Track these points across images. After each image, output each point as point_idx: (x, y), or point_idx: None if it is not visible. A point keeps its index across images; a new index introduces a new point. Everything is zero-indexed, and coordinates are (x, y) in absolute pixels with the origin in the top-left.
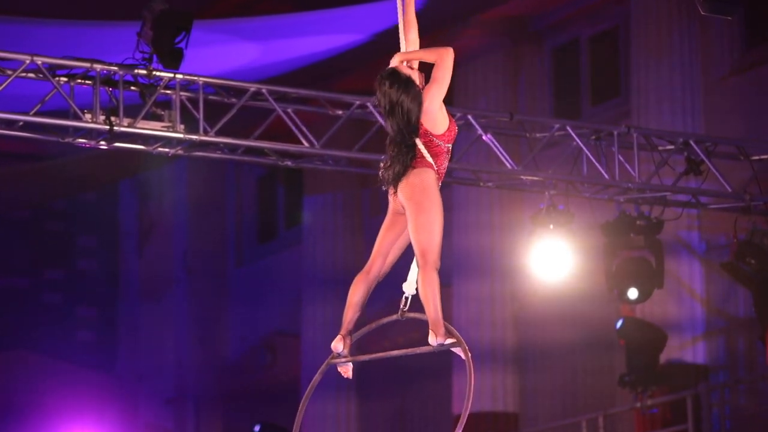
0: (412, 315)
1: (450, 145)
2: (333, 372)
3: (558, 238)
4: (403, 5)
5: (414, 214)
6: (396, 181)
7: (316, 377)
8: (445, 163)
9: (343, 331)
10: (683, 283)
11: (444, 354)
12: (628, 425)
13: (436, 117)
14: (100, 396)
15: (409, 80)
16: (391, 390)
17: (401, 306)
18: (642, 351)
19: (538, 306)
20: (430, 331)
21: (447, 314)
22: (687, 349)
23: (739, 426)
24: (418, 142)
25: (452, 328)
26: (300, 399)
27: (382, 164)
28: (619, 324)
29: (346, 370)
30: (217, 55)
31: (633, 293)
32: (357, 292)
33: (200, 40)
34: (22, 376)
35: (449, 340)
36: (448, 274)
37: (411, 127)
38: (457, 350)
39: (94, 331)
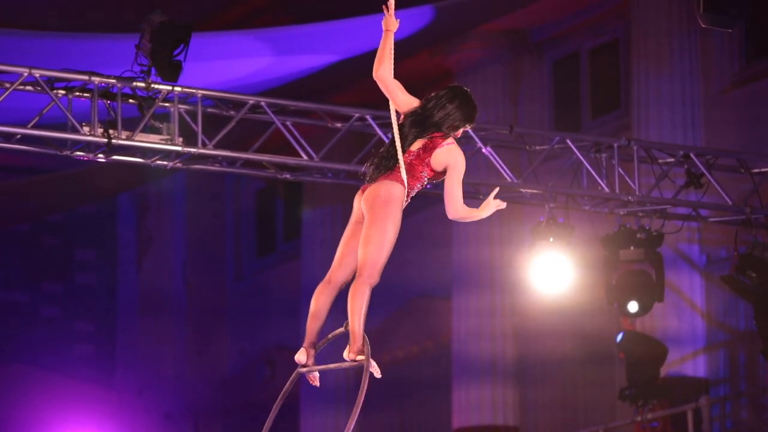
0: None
1: (428, 185)
2: (332, 385)
3: (558, 251)
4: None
5: (368, 224)
6: (372, 177)
7: (287, 386)
8: (417, 188)
9: (306, 342)
10: (684, 297)
11: (443, 366)
12: None
13: (441, 164)
14: (98, 410)
15: (471, 114)
16: (391, 402)
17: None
18: (642, 364)
19: (538, 319)
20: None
21: (447, 326)
22: (687, 363)
23: None
24: (401, 159)
25: (367, 345)
26: (300, 413)
27: (371, 160)
28: (619, 337)
29: (314, 379)
30: (216, 67)
31: (633, 306)
32: (318, 302)
33: (199, 52)
34: (21, 391)
35: (360, 357)
36: (448, 287)
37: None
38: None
39: (92, 344)
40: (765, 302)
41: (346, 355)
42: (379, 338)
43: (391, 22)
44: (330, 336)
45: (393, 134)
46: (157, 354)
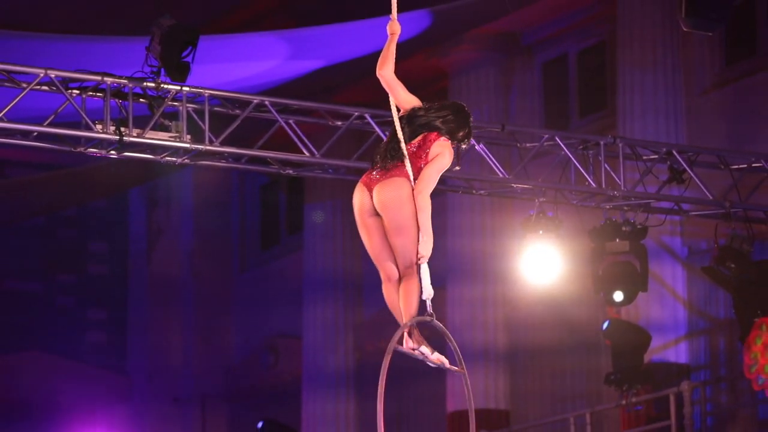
0: (437, 324)
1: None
2: (333, 373)
3: (547, 244)
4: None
5: (399, 227)
6: (381, 165)
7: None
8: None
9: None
10: (666, 286)
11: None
12: (613, 422)
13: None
14: (110, 394)
15: (465, 134)
16: (389, 389)
17: (429, 310)
18: (627, 351)
19: (528, 308)
20: (406, 333)
21: (441, 316)
22: (670, 349)
23: (720, 422)
24: (405, 152)
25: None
26: (302, 398)
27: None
28: (605, 325)
29: (440, 360)
30: (223, 68)
31: (618, 296)
32: (391, 302)
33: (207, 54)
34: (36, 376)
35: (423, 348)
36: (442, 278)
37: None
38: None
39: (104, 332)
40: (743, 292)
41: (409, 344)
42: (377, 328)
43: (395, 27)
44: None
45: (394, 128)
46: (166, 341)
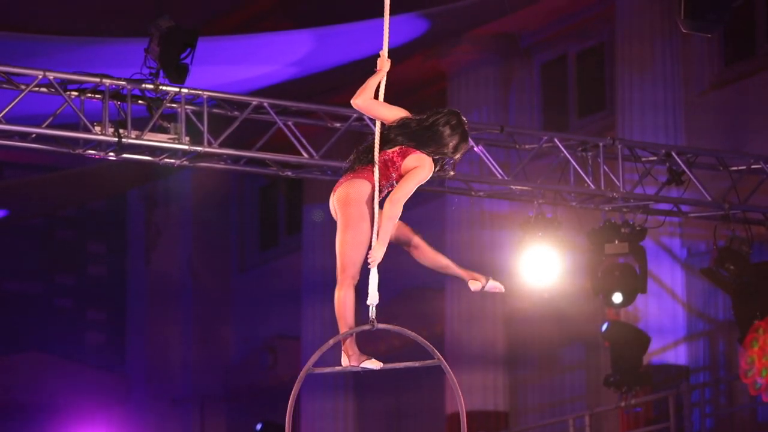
0: (383, 326)
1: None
2: (331, 374)
3: (546, 245)
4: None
5: (343, 226)
6: (351, 167)
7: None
8: (386, 188)
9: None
10: (665, 288)
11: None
12: (612, 424)
13: (408, 168)
14: (108, 395)
15: (459, 145)
16: (387, 388)
17: (372, 316)
18: (626, 353)
19: (527, 310)
20: (343, 353)
21: (440, 316)
22: (669, 351)
23: (719, 424)
24: (377, 158)
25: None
26: (300, 399)
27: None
28: (604, 327)
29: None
30: (221, 70)
31: (618, 297)
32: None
33: (205, 56)
34: (35, 377)
35: (366, 363)
36: (441, 278)
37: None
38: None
39: (103, 333)
40: (742, 293)
41: (350, 363)
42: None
43: (383, 63)
44: (348, 333)
45: (374, 133)
46: (164, 342)
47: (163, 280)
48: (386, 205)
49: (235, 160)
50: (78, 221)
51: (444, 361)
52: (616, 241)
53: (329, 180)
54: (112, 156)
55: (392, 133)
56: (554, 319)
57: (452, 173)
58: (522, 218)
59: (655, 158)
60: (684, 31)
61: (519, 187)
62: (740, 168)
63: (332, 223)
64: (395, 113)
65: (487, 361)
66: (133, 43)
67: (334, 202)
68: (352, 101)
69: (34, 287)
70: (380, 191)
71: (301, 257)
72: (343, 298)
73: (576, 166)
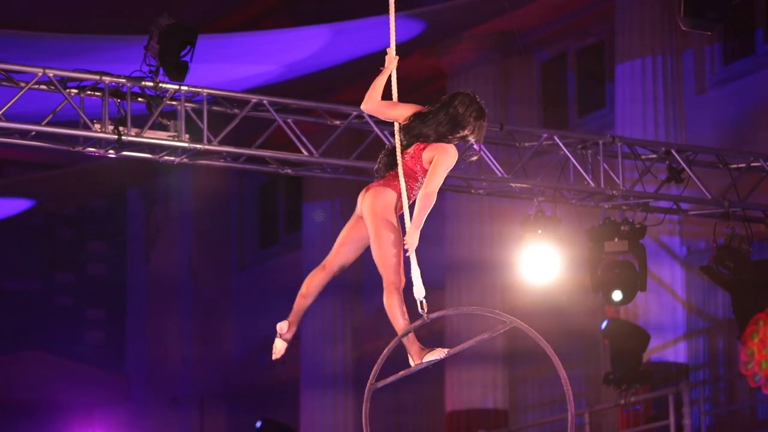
0: (435, 315)
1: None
2: (332, 368)
3: (546, 243)
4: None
5: (374, 236)
6: (379, 173)
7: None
8: (416, 188)
9: (291, 317)
10: (665, 286)
11: None
12: (612, 421)
13: (429, 160)
14: (108, 394)
15: (476, 125)
16: (388, 388)
17: (421, 310)
18: (626, 350)
19: (527, 307)
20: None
21: (440, 317)
22: (669, 349)
23: (718, 421)
24: (401, 165)
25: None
26: (300, 397)
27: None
28: (604, 325)
29: (279, 351)
30: (221, 67)
31: (617, 295)
32: (310, 284)
33: (205, 53)
34: (34, 376)
35: (428, 357)
36: (441, 277)
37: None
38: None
39: (103, 332)
40: (742, 291)
41: (413, 363)
42: (376, 328)
43: (390, 61)
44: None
45: (395, 139)
46: (164, 340)
47: (163, 278)
48: (420, 197)
49: (235, 157)
50: (78, 220)
51: (519, 322)
52: (616, 239)
53: (329, 177)
54: (111, 153)
55: (408, 133)
56: (553, 316)
57: (475, 158)
58: (522, 216)
59: (654, 156)
60: (684, 28)
61: (519, 185)
62: (740, 166)
63: (333, 221)
64: (406, 111)
65: (486, 358)
66: (133, 40)
67: (362, 205)
68: (361, 106)
69: (34, 286)
70: (410, 196)
71: (301, 255)
72: (388, 305)
73: (576, 164)
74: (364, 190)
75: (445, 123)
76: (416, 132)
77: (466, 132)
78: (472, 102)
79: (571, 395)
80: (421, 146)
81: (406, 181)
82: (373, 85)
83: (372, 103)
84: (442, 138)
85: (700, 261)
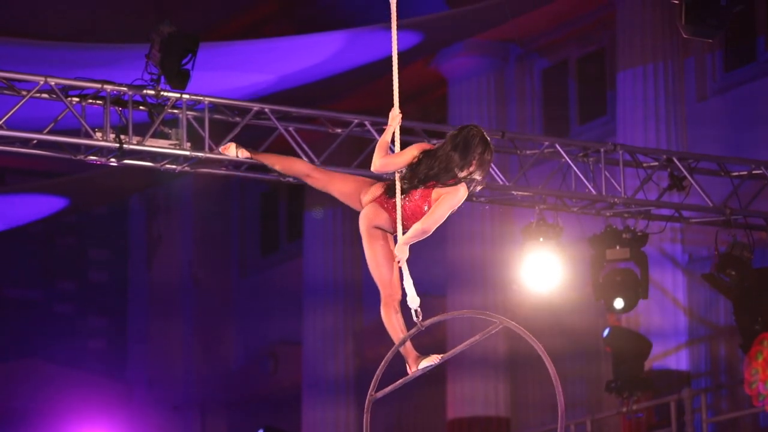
0: (428, 322)
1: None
2: (334, 375)
3: (547, 251)
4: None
5: (367, 256)
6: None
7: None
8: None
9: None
10: (667, 294)
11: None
12: (614, 430)
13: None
14: (110, 402)
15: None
16: (389, 396)
17: (416, 318)
18: (627, 358)
19: (528, 315)
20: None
21: (442, 323)
22: (671, 357)
23: (720, 429)
24: (399, 213)
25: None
26: (302, 405)
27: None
28: (605, 332)
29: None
30: (223, 75)
31: (619, 303)
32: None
33: (207, 61)
34: (36, 384)
35: (422, 363)
36: (442, 286)
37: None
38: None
39: (104, 339)
40: (744, 299)
41: (410, 371)
42: (377, 334)
43: (394, 118)
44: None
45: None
46: (166, 348)
47: (164, 286)
48: (416, 228)
49: (236, 165)
50: (79, 227)
51: (510, 321)
52: (618, 247)
53: None
54: (113, 162)
55: (415, 174)
56: (555, 324)
57: (480, 187)
58: (523, 224)
59: (656, 164)
60: (685, 36)
61: (520, 193)
62: (741, 173)
63: (333, 229)
64: (407, 159)
65: (488, 366)
66: (135, 49)
67: (360, 219)
68: (371, 169)
69: (35, 293)
70: (404, 228)
71: (302, 263)
72: (384, 316)
73: (577, 172)
74: (370, 195)
75: (447, 168)
76: (423, 175)
77: (472, 168)
78: (476, 135)
79: (560, 390)
80: (426, 192)
81: (410, 221)
82: (378, 144)
83: (380, 163)
84: (449, 178)
85: (702, 268)
